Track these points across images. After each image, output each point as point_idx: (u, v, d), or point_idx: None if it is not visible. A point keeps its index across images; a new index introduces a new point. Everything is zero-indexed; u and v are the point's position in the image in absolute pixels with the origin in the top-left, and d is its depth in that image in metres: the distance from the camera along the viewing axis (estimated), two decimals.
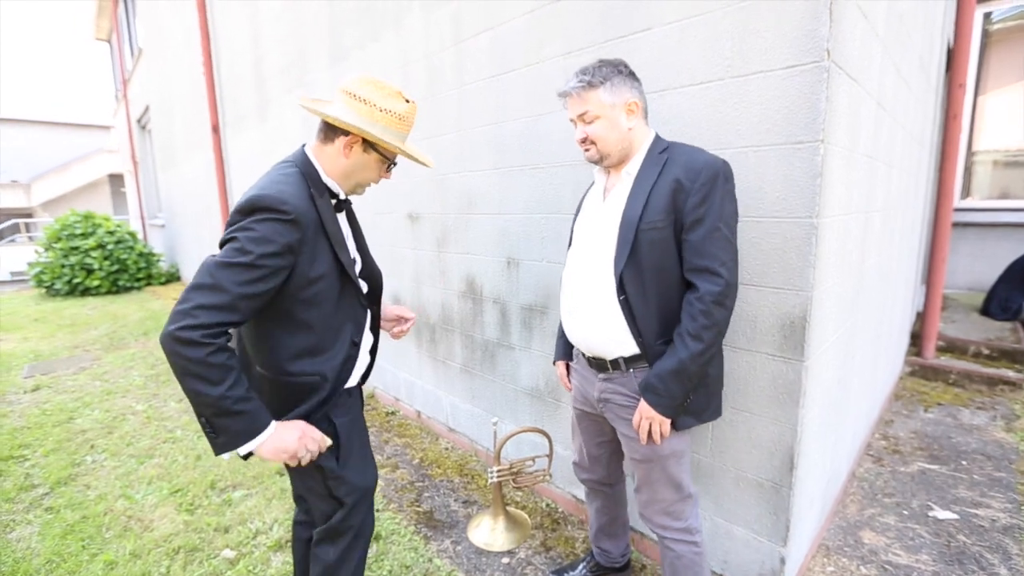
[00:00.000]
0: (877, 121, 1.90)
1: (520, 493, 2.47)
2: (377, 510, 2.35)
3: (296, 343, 1.18)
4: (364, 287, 1.35)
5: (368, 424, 3.29)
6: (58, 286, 8.00)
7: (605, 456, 1.66)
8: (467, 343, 2.74)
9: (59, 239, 8.12)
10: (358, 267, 1.33)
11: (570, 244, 1.54)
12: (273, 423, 1.10)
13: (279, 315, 1.16)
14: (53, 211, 20.25)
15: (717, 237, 1.24)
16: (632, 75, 1.34)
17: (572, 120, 1.37)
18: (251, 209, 1.06)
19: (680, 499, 1.43)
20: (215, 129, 5.69)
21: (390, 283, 3.28)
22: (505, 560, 2.02)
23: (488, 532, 2.15)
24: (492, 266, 2.47)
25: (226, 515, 2.33)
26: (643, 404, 1.31)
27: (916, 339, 4.03)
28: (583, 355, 1.49)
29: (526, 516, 2.26)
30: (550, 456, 2.21)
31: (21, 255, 10.84)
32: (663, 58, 1.63)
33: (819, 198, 1.37)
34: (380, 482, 2.59)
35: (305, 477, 1.31)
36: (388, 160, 1.26)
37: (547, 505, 2.37)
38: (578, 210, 1.55)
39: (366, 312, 1.34)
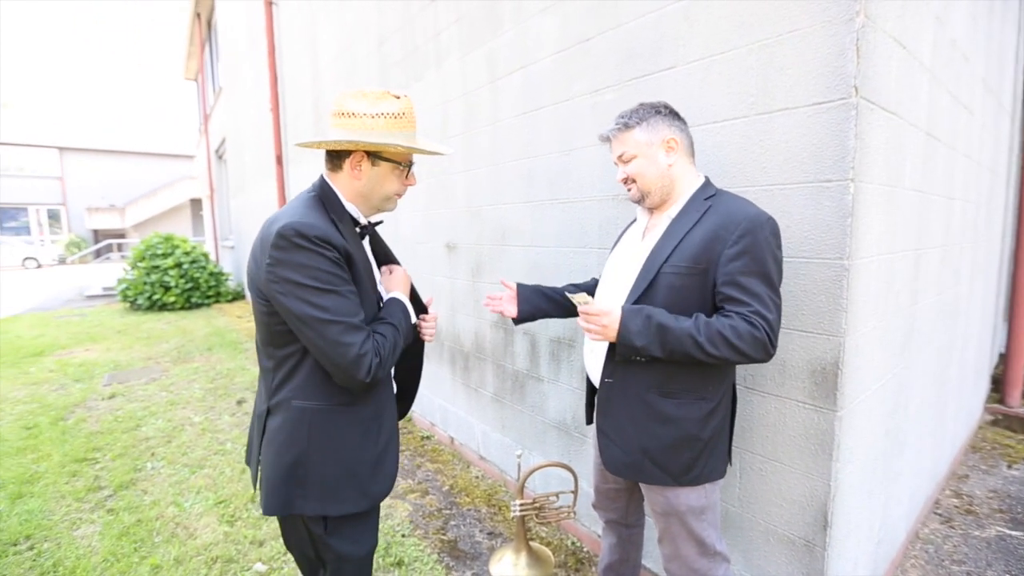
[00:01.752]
0: (928, 153, 1.79)
1: (546, 528, 2.42)
2: (403, 536, 2.38)
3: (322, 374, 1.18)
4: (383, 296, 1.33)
5: (403, 448, 3.35)
6: (140, 301, 8.76)
7: (623, 497, 1.61)
8: (498, 372, 2.76)
9: (143, 258, 8.92)
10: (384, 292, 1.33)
11: (596, 281, 1.55)
12: (391, 293, 1.31)
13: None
14: (142, 232, 22.23)
15: (756, 292, 1.17)
16: (673, 115, 1.32)
17: (615, 163, 1.38)
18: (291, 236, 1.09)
19: (704, 556, 1.36)
20: (279, 160, 6.13)
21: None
22: None
23: (510, 567, 2.11)
24: None
25: (262, 529, 2.43)
26: (617, 311, 1.23)
27: (998, 384, 3.65)
28: None
29: (550, 553, 2.21)
30: (575, 492, 2.16)
31: (113, 272, 11.98)
32: (688, 96, 1.62)
33: (850, 239, 1.30)
34: (407, 506, 2.62)
35: (291, 531, 1.28)
36: (401, 165, 1.20)
37: (572, 543, 2.31)
38: (615, 244, 1.54)
39: None
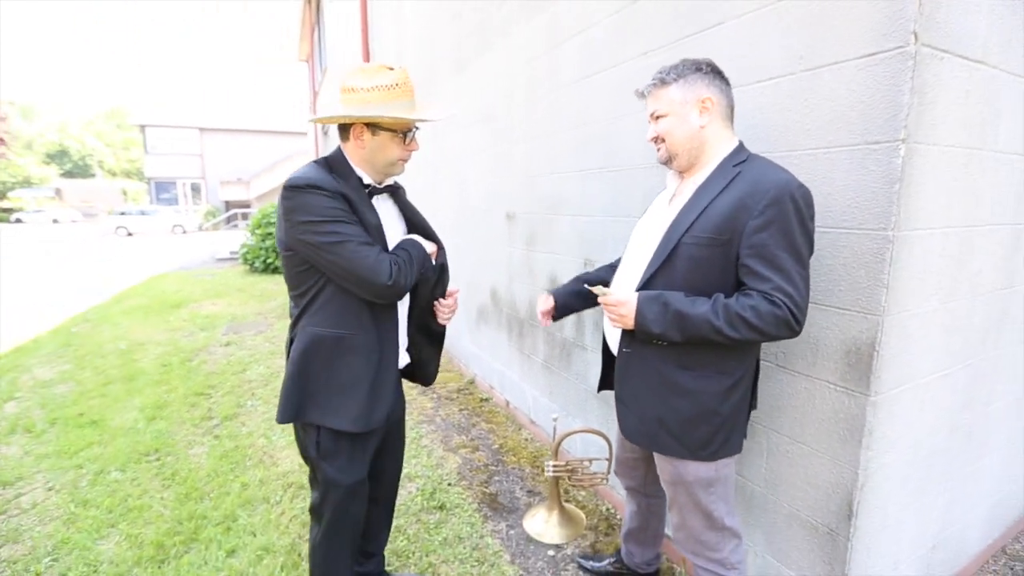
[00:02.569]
0: None
1: (583, 493, 2.48)
2: (449, 484, 2.57)
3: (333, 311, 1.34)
4: None
5: (463, 408, 3.56)
6: (256, 264, 9.92)
7: (641, 466, 1.62)
8: (548, 340, 2.82)
9: (260, 226, 10.04)
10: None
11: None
12: (412, 235, 1.46)
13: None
14: (263, 202, 24.86)
15: (781, 266, 1.11)
16: (715, 73, 1.25)
17: (649, 120, 1.34)
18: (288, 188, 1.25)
19: (712, 529, 1.35)
20: None
21: (488, 277, 3.49)
22: (551, 552, 2.08)
23: (542, 523, 2.21)
24: (572, 266, 2.50)
25: None
26: (634, 299, 1.24)
27: None
28: None
29: (582, 515, 2.27)
30: (609, 459, 2.18)
31: (238, 238, 13.61)
32: (734, 53, 1.52)
33: (898, 208, 1.17)
34: (457, 459, 2.82)
35: (302, 447, 1.46)
36: (399, 132, 1.30)
37: (606, 509, 2.35)
38: (646, 209, 1.52)
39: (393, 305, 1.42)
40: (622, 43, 2.01)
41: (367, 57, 6.42)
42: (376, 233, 1.31)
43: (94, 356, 4.89)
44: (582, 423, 2.53)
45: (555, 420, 2.39)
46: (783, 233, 1.11)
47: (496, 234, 3.32)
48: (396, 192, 1.48)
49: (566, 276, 2.56)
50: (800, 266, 1.13)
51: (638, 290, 1.28)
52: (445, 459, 2.83)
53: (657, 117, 1.28)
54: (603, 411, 2.36)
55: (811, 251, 1.17)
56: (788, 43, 1.36)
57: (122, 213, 24.04)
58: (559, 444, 2.23)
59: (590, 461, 2.22)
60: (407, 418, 3.32)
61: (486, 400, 3.67)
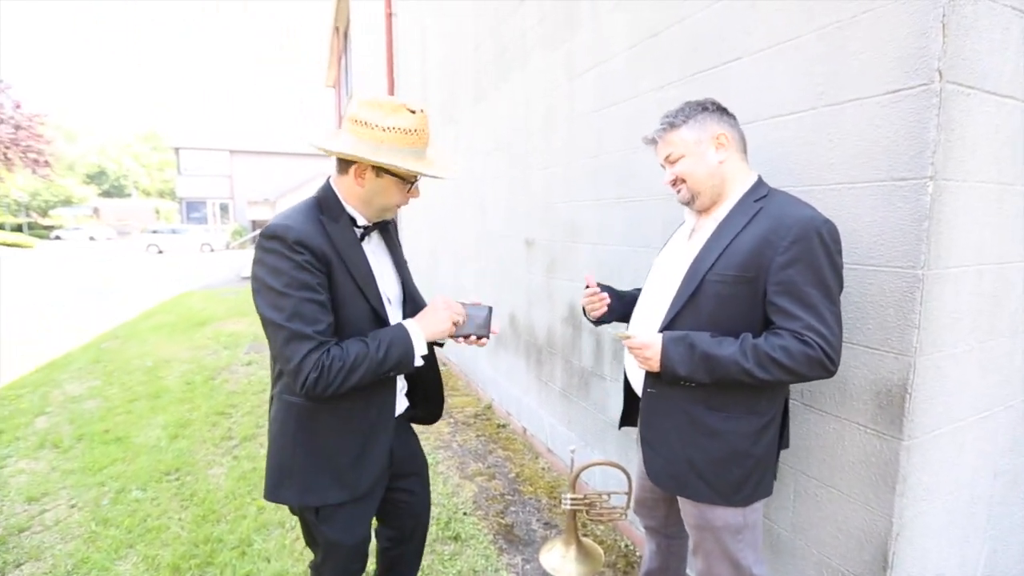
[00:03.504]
0: None
1: (602, 527, 2.42)
2: (464, 514, 2.53)
3: None
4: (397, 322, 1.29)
5: (480, 434, 3.53)
6: None
7: (662, 507, 1.57)
8: (567, 367, 2.79)
9: None
10: (393, 301, 1.32)
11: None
12: (410, 324, 1.23)
13: None
14: None
15: (810, 304, 1.08)
16: (721, 111, 1.25)
17: (662, 165, 1.32)
18: (264, 236, 1.13)
19: None
20: None
21: (507, 301, 3.49)
22: None
23: (558, 558, 2.15)
24: None
25: None
26: (658, 341, 1.20)
27: None
28: None
29: (600, 551, 2.20)
30: (628, 494, 2.13)
31: None
32: (752, 88, 1.51)
33: (928, 245, 1.14)
34: (473, 487, 2.78)
35: (296, 513, 1.36)
36: (406, 180, 1.21)
37: (625, 545, 2.28)
38: (664, 244, 1.50)
39: None
40: (638, 76, 2.03)
41: (392, 87, 6.61)
42: (367, 282, 1.22)
43: (122, 372, 5.01)
44: (600, 454, 2.48)
45: (573, 452, 2.34)
46: (811, 269, 1.09)
47: (515, 259, 3.33)
48: (386, 228, 1.39)
49: None
50: (830, 302, 1.10)
51: (662, 330, 1.26)
52: (461, 487, 2.80)
53: (673, 161, 1.28)
54: (622, 443, 2.31)
55: (840, 287, 1.14)
56: (808, 79, 1.35)
57: (154, 231, 24.91)
58: (577, 476, 2.18)
59: (608, 495, 2.16)
60: (422, 445, 3.31)
61: (503, 426, 3.64)
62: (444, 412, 4.03)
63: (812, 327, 1.07)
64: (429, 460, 3.17)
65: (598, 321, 1.55)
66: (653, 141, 1.32)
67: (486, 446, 3.34)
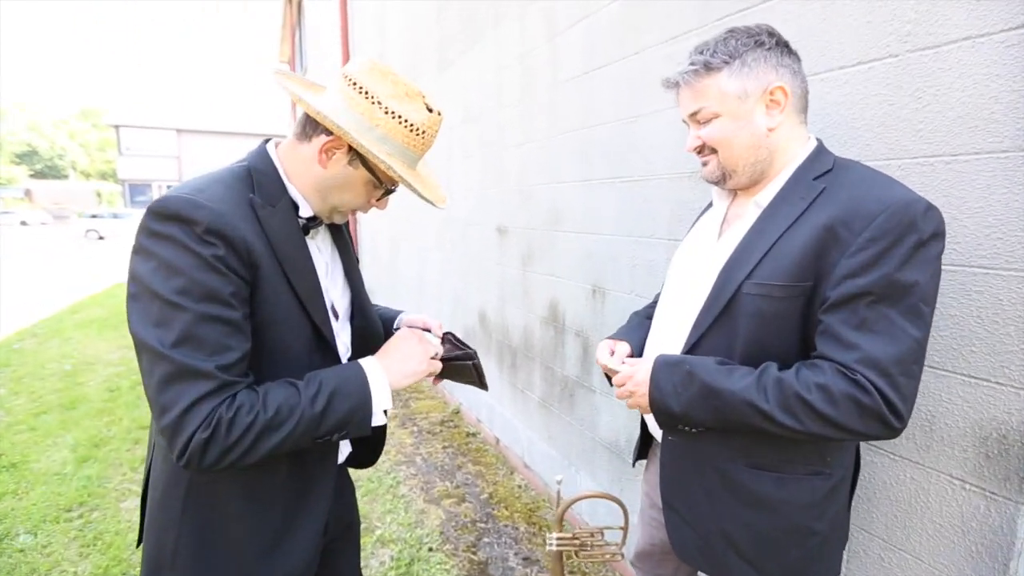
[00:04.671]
0: None
1: (590, 564, 2.09)
2: (430, 549, 2.16)
3: None
4: (345, 347, 0.95)
5: (447, 444, 3.15)
6: None
7: (670, 562, 1.25)
8: (547, 375, 2.44)
9: None
10: (340, 315, 0.96)
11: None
12: (370, 363, 0.86)
13: None
14: None
15: (880, 329, 0.74)
16: (782, 47, 0.87)
17: (685, 121, 0.95)
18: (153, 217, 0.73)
19: None
20: None
21: (476, 297, 3.10)
22: None
23: None
24: (576, 292, 2.13)
25: None
26: (647, 367, 0.90)
27: None
28: (659, 444, 1.09)
29: None
30: (625, 529, 1.80)
31: None
32: (802, 33, 1.16)
33: None
34: (440, 514, 2.41)
35: None
36: (381, 184, 0.88)
37: None
38: (685, 236, 1.13)
39: None
40: (639, 28, 1.65)
41: (346, 58, 6.02)
42: (312, 293, 0.86)
43: (33, 378, 4.37)
44: (588, 478, 2.15)
45: (559, 483, 1.99)
46: (896, 281, 0.73)
47: (485, 250, 2.93)
48: (337, 229, 1.03)
49: (569, 301, 2.18)
50: (916, 328, 0.74)
51: (683, 352, 0.92)
52: (426, 514, 2.42)
53: (702, 120, 0.89)
54: (613, 466, 1.98)
55: (934, 304, 0.80)
56: (889, 14, 1.01)
57: (93, 216, 23.13)
58: (564, 512, 1.84)
59: (602, 532, 1.83)
60: (382, 459, 2.91)
61: (473, 435, 3.27)
62: (407, 418, 3.60)
63: (872, 360, 0.73)
64: (389, 479, 2.78)
65: None
66: (676, 85, 0.93)
67: (454, 459, 2.97)
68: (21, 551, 2.15)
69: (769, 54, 0.86)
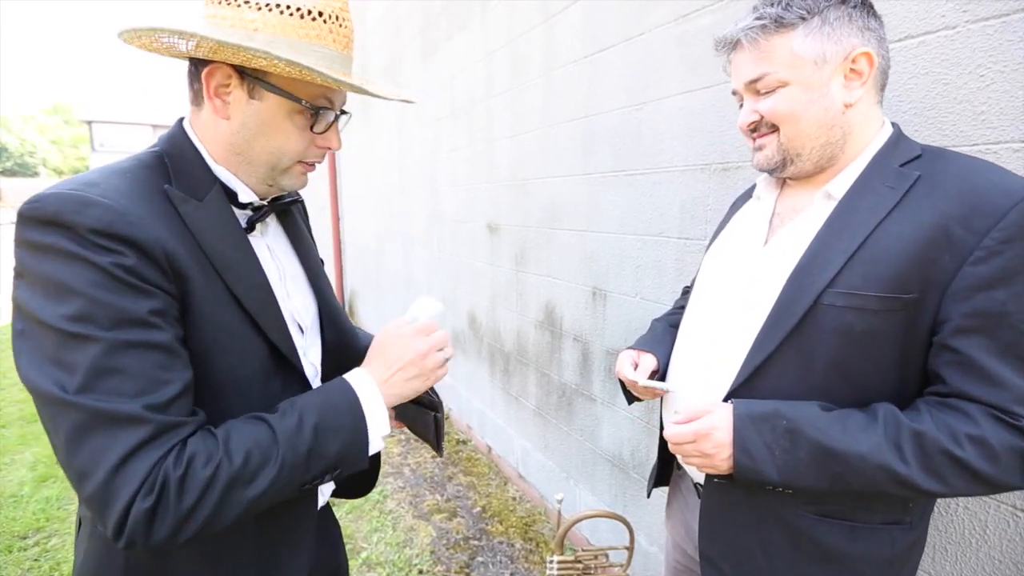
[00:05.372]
0: None
1: None
2: (421, 572, 2.01)
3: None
4: (315, 360, 0.80)
5: (435, 454, 3.00)
6: None
7: None
8: (542, 382, 2.30)
9: None
10: (307, 329, 0.78)
11: (690, 288, 1.01)
12: (358, 378, 0.69)
13: None
14: None
15: None
16: (868, 6, 0.71)
17: (736, 92, 0.80)
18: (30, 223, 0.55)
19: None
20: None
21: (466, 298, 2.94)
22: None
23: None
24: (575, 295, 1.99)
25: None
26: (726, 421, 0.71)
27: None
28: (688, 478, 0.94)
29: None
30: (630, 549, 1.68)
31: None
32: None
33: None
34: (430, 531, 2.26)
35: None
36: (305, 104, 0.65)
37: None
38: (715, 235, 0.97)
39: None
40: (644, 6, 1.51)
41: None
42: (262, 302, 0.68)
43: None
44: (588, 492, 2.02)
45: (559, 502, 1.86)
46: None
47: (475, 249, 2.78)
48: (288, 210, 0.82)
49: (567, 304, 2.04)
50: None
51: (737, 389, 0.75)
52: (415, 531, 2.27)
53: (763, 89, 0.74)
54: (616, 480, 1.85)
55: None
56: None
57: None
58: (565, 533, 1.70)
59: (606, 554, 1.70)
60: None
61: (463, 443, 3.12)
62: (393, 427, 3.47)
63: None
64: (375, 494, 2.62)
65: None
66: (733, 46, 0.76)
67: (444, 470, 2.82)
68: None
69: (855, 13, 0.70)
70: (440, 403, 0.82)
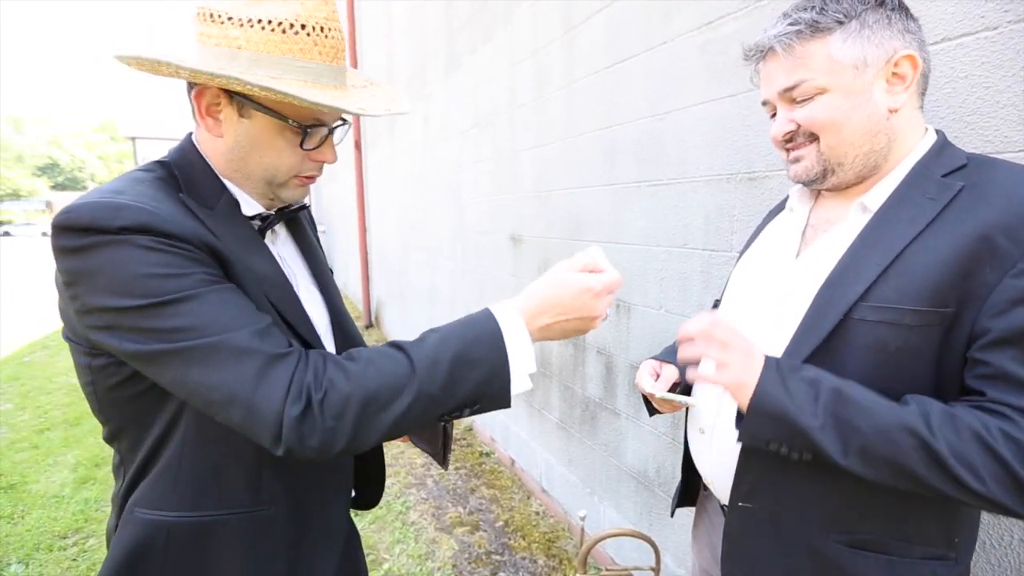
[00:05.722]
0: None
1: None
2: None
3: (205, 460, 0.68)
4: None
5: (459, 465, 2.99)
6: None
7: None
8: (565, 395, 2.27)
9: None
10: (321, 332, 0.79)
11: (718, 303, 0.98)
12: (504, 310, 0.65)
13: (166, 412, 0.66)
14: None
15: None
16: (905, 9, 0.68)
17: (767, 102, 0.76)
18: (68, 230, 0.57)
19: None
20: (357, 146, 6.03)
21: None
22: None
23: None
24: None
25: None
26: (750, 345, 0.67)
27: None
28: (715, 498, 0.90)
29: None
30: (656, 570, 1.63)
31: None
32: None
33: None
34: (452, 544, 2.24)
35: None
36: (292, 122, 0.65)
37: None
38: (746, 247, 0.93)
39: None
40: (668, 13, 1.49)
41: (355, 61, 5.95)
42: (288, 303, 0.69)
43: (40, 392, 4.31)
44: (613, 509, 1.97)
45: (583, 519, 1.82)
46: None
47: (499, 260, 2.78)
48: (295, 219, 0.84)
49: None
50: None
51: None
52: (437, 544, 2.26)
53: (800, 97, 0.70)
54: (641, 498, 1.81)
55: None
56: None
57: None
58: (588, 551, 1.67)
59: (630, 574, 1.66)
60: (391, 481, 2.76)
61: (487, 455, 3.10)
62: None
63: None
64: (398, 505, 2.62)
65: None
66: (765, 55, 0.73)
67: (467, 482, 2.81)
68: None
69: (893, 16, 0.67)
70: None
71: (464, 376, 0.61)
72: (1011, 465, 0.56)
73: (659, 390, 0.85)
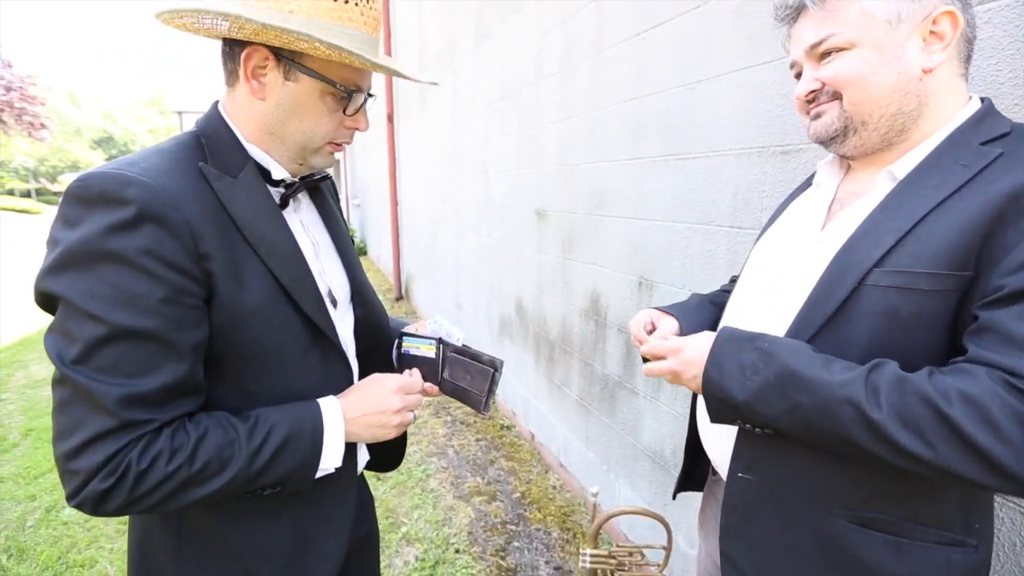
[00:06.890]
0: None
1: None
2: (456, 551, 2.06)
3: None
4: (345, 334, 0.83)
5: (480, 436, 3.04)
6: None
7: None
8: (585, 372, 2.26)
9: None
10: (340, 301, 0.82)
11: (735, 279, 0.94)
12: (329, 408, 0.72)
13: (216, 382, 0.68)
14: None
15: None
16: None
17: (795, 63, 0.72)
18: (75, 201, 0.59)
19: None
20: (389, 118, 6.04)
21: (513, 284, 2.94)
22: None
23: None
24: (620, 284, 1.93)
25: None
26: (705, 342, 0.70)
27: None
28: (722, 483, 0.86)
29: None
30: (668, 549, 1.62)
31: None
32: None
33: None
34: (469, 512, 2.30)
35: None
36: (339, 87, 0.68)
37: None
38: (768, 223, 0.88)
39: (349, 376, 0.82)
40: None
41: (388, 35, 5.90)
42: (296, 275, 0.70)
43: None
44: (628, 487, 1.97)
45: (595, 495, 1.83)
46: None
47: (523, 235, 2.76)
48: (317, 187, 0.85)
49: (612, 294, 1.98)
50: None
51: None
52: (455, 511, 2.32)
53: (826, 51, 0.66)
54: (656, 477, 1.80)
55: None
56: None
57: None
58: (600, 527, 1.67)
59: (641, 552, 1.66)
60: (413, 449, 2.84)
61: (508, 428, 3.14)
62: (441, 407, 3.50)
63: None
64: (419, 472, 2.70)
65: None
66: (797, 12, 0.69)
67: (487, 453, 2.86)
68: (65, 524, 2.21)
69: None
70: (501, 362, 0.85)
71: (279, 466, 0.66)
72: (961, 427, 0.52)
73: (652, 340, 0.81)
